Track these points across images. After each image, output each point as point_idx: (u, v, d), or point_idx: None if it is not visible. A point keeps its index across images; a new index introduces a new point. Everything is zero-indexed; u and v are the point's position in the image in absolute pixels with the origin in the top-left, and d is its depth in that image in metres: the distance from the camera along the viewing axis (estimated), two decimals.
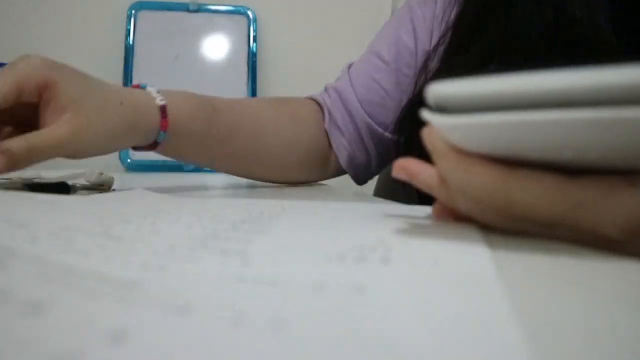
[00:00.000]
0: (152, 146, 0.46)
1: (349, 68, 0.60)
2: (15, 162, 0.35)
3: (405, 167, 0.25)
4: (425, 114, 0.20)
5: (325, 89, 0.60)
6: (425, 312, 0.13)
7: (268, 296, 0.14)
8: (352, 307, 0.13)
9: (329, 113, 0.57)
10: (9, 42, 1.09)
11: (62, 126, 0.36)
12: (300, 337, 0.11)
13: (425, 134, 0.23)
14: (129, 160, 1.02)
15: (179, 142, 0.47)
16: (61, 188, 0.36)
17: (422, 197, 0.27)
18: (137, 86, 0.46)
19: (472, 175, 0.21)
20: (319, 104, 0.59)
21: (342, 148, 0.57)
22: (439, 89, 0.20)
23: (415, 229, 0.24)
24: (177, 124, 0.45)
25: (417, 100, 0.48)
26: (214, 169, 0.56)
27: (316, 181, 0.61)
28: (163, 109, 0.45)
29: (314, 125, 0.57)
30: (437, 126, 0.20)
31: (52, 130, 0.36)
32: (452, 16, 0.48)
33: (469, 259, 0.18)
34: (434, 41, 0.50)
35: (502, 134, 0.19)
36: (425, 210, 0.31)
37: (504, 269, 0.17)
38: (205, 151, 0.50)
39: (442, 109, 0.20)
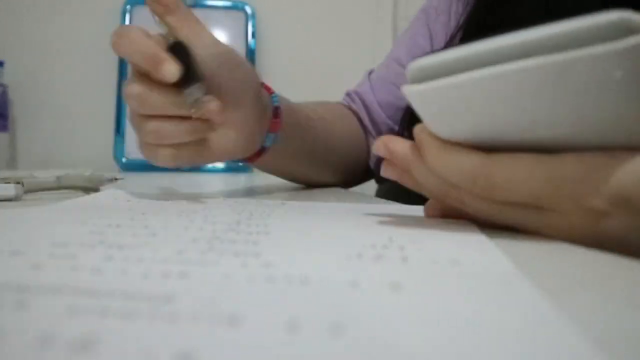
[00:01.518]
0: (258, 154, 0.42)
1: (369, 74, 0.61)
2: None
3: (386, 144, 0.25)
4: (403, 88, 0.21)
5: (348, 94, 0.61)
6: (471, 311, 0.13)
7: (310, 297, 0.13)
8: (394, 306, 0.13)
9: (358, 116, 0.59)
10: (4, 37, 1.04)
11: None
12: (359, 340, 0.11)
13: (416, 130, 0.23)
14: (124, 160, 0.98)
15: (281, 149, 0.44)
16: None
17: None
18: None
19: (454, 160, 0.21)
20: (348, 108, 0.60)
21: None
22: (413, 64, 0.21)
23: (420, 228, 0.24)
24: (283, 128, 0.42)
25: None
26: (292, 180, 0.54)
27: (358, 184, 0.61)
28: (276, 110, 0.41)
29: (355, 125, 0.58)
30: (409, 96, 0.21)
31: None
32: (464, 17, 0.49)
33: (486, 258, 0.18)
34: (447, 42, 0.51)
35: (459, 94, 0.19)
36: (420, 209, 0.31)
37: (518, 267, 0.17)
38: (295, 161, 0.48)
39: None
